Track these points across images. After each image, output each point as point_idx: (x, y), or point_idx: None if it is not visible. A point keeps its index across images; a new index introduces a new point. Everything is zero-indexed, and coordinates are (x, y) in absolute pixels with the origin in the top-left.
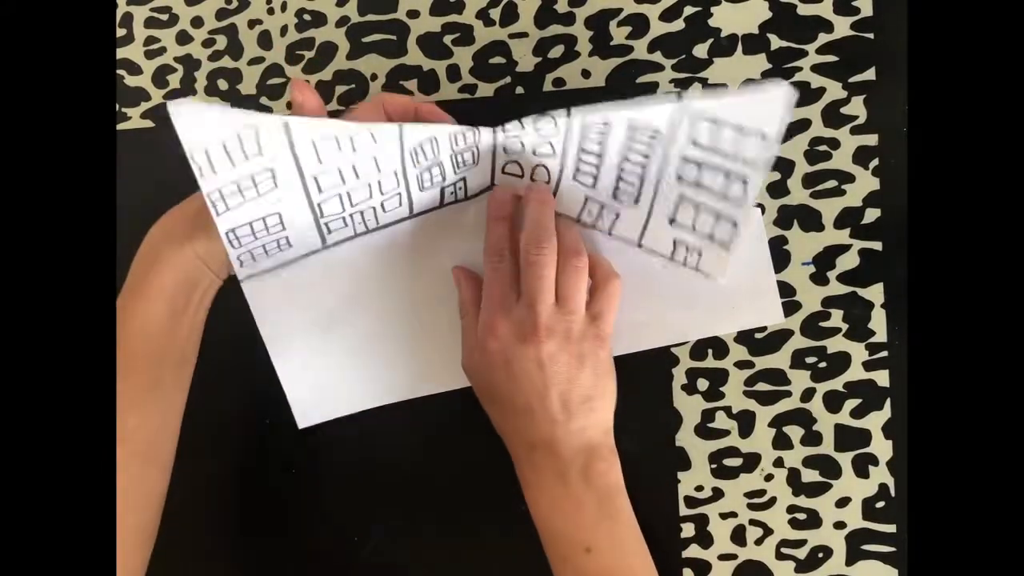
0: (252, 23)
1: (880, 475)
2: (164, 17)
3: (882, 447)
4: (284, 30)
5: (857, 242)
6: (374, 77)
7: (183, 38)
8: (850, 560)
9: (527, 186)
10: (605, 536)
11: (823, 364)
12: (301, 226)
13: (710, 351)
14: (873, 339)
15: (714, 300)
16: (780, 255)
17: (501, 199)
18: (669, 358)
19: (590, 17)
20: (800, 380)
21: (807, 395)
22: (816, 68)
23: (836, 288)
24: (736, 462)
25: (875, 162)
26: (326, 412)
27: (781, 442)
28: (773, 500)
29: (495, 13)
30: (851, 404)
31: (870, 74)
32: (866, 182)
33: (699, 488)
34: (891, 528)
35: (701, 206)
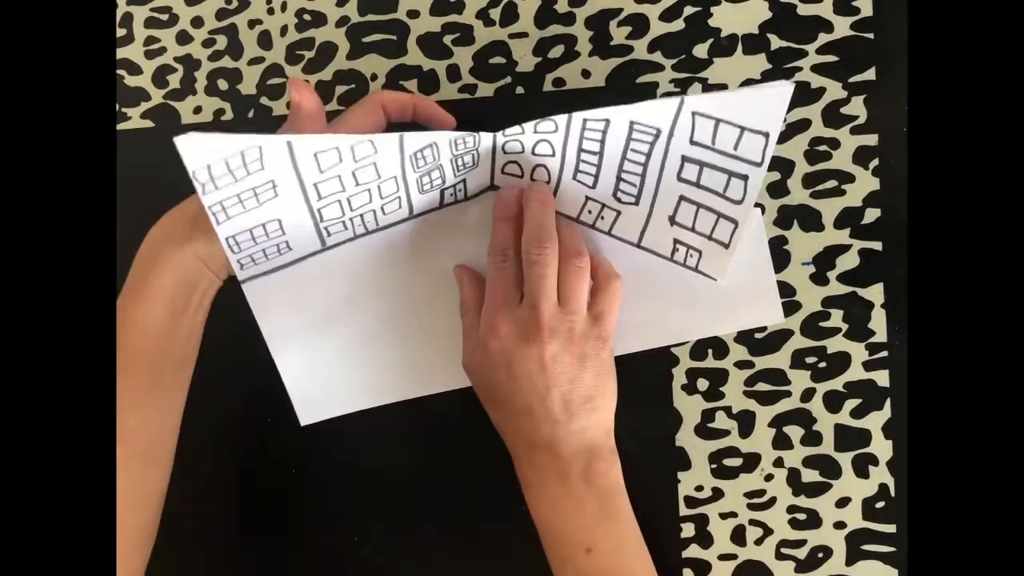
0: (252, 23)
1: (880, 475)
2: (164, 17)
3: (882, 447)
4: (284, 30)
5: (857, 242)
6: (374, 77)
7: (183, 38)
8: (850, 560)
9: (527, 185)
10: (605, 536)
11: (823, 364)
12: (301, 230)
13: (710, 351)
14: (873, 339)
15: (714, 300)
16: (780, 255)
17: (507, 199)
18: (669, 358)
19: (590, 17)
20: (800, 380)
21: (807, 395)
22: (816, 68)
23: (836, 288)
24: (736, 462)
25: (875, 162)
26: (328, 410)
27: (781, 442)
28: (773, 500)
29: (495, 13)
30: (851, 404)
31: (870, 74)
32: (866, 182)
33: (699, 488)
34: (891, 528)
35: (701, 206)
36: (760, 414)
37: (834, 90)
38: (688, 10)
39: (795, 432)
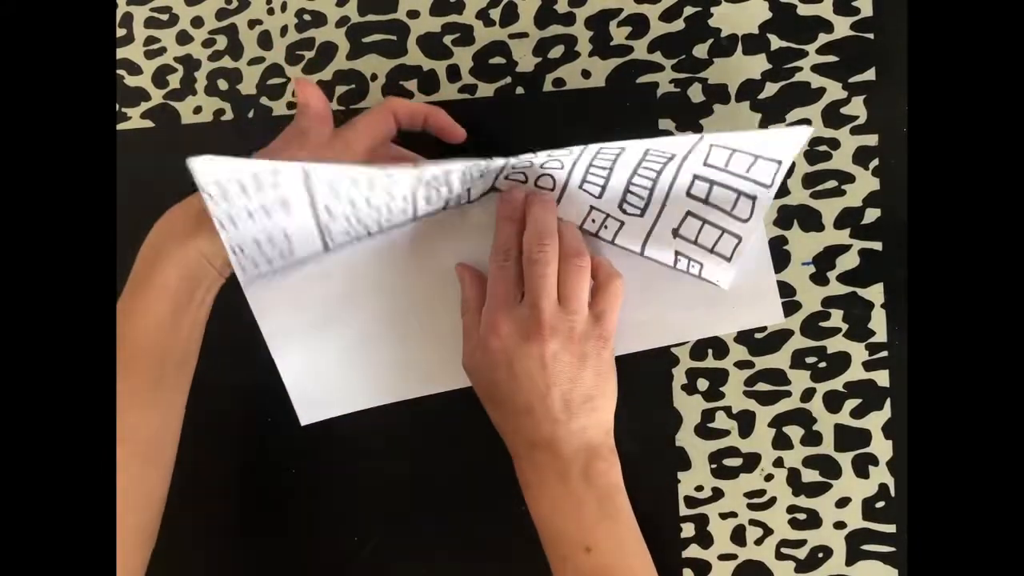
0: (252, 23)
1: (880, 475)
2: (164, 17)
3: (882, 447)
4: (284, 30)
5: (857, 242)
6: (374, 77)
7: (183, 38)
8: (850, 560)
9: (530, 191)
10: (605, 536)
11: (823, 364)
12: (305, 239)
13: (710, 351)
14: (873, 339)
15: (714, 300)
16: (780, 255)
17: (512, 200)
18: (669, 358)
19: (590, 17)
20: (800, 380)
21: (807, 395)
22: (816, 68)
23: (836, 288)
24: (736, 462)
25: (875, 162)
26: (328, 410)
27: (781, 442)
28: (773, 500)
29: (495, 13)
30: (851, 404)
31: (870, 74)
32: (866, 182)
33: (699, 488)
34: (891, 528)
35: (707, 221)
36: (760, 414)
37: (834, 90)
38: (688, 10)
39: (795, 432)
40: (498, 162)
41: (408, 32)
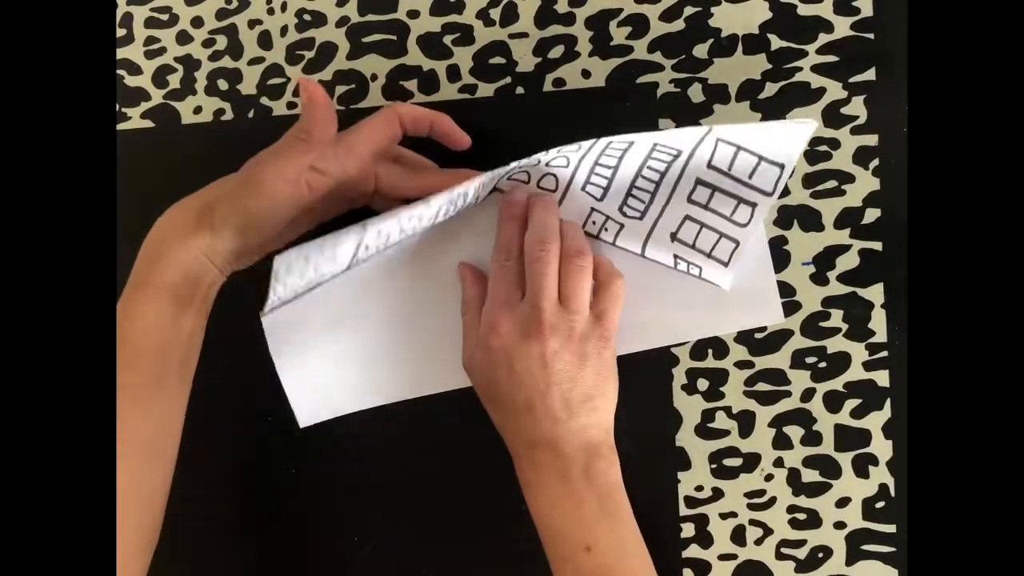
0: (252, 23)
1: (880, 475)
2: (164, 17)
3: (882, 447)
4: (284, 30)
5: (857, 242)
6: (374, 77)
7: (183, 38)
8: (850, 560)
9: (532, 192)
10: (605, 535)
11: (823, 364)
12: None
13: (710, 351)
14: (873, 339)
15: (715, 300)
16: (780, 255)
17: (514, 200)
18: (669, 358)
19: (590, 17)
20: (800, 380)
21: (807, 395)
22: (816, 68)
23: (836, 288)
24: (736, 462)
25: (875, 162)
26: (327, 411)
27: (781, 442)
28: (773, 500)
29: (495, 13)
30: (851, 404)
31: (870, 74)
32: (866, 182)
33: (699, 488)
34: (891, 528)
35: (705, 226)
36: (760, 414)
37: (834, 90)
38: (688, 10)
39: (795, 432)
40: (508, 167)
41: (408, 32)
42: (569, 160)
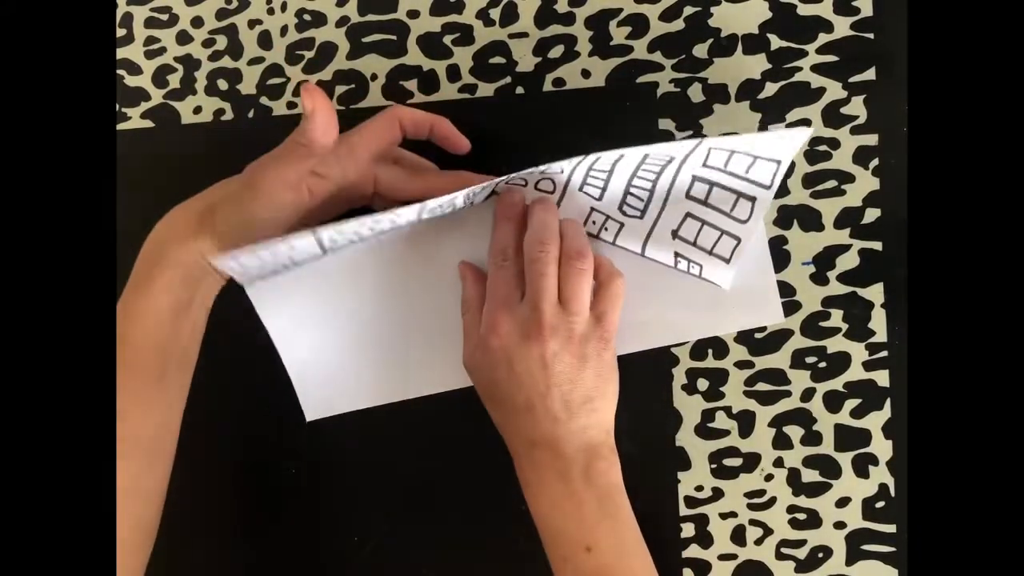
0: (252, 23)
1: (880, 475)
2: (164, 17)
3: (882, 447)
4: (284, 30)
5: (857, 242)
6: (374, 77)
7: (183, 38)
8: (850, 560)
9: (533, 197)
10: (605, 535)
11: (823, 364)
12: (306, 255)
13: (710, 351)
14: (873, 339)
15: (715, 300)
16: (780, 255)
17: (510, 200)
18: (669, 358)
19: (590, 17)
20: (800, 380)
21: (807, 395)
22: (816, 68)
23: (836, 288)
24: (736, 462)
25: (875, 162)
26: (333, 405)
27: (781, 442)
28: (773, 500)
29: (495, 13)
30: (851, 404)
31: (870, 74)
32: (866, 182)
33: (699, 488)
34: (891, 528)
35: (706, 222)
36: (760, 414)
37: (834, 90)
38: (688, 10)
39: (795, 432)
40: (498, 180)
41: (408, 32)
42: (563, 168)
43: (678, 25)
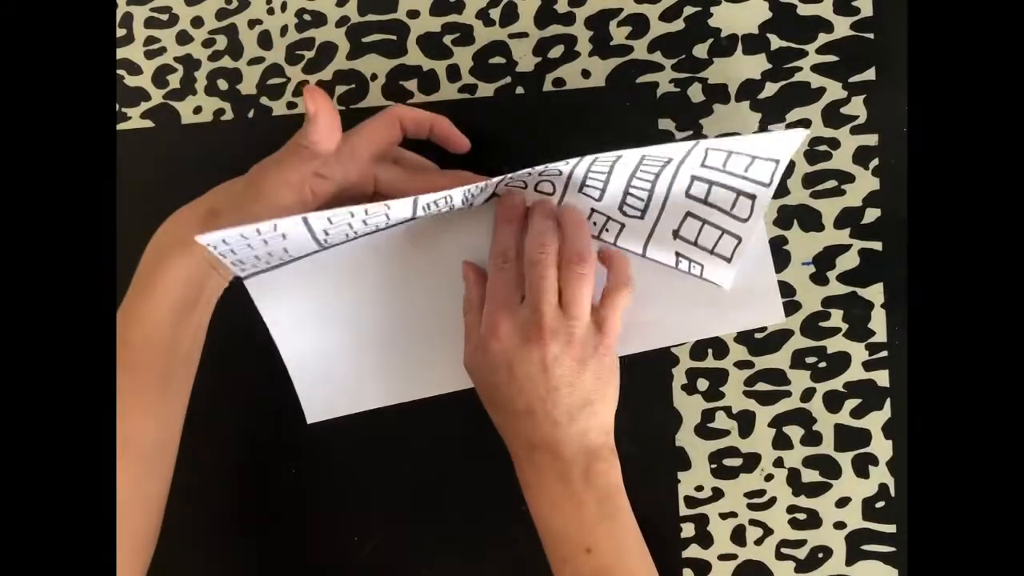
0: (252, 23)
1: (880, 475)
2: (164, 17)
3: (882, 447)
4: (284, 30)
5: (857, 242)
6: (374, 77)
7: (183, 38)
8: (850, 560)
9: (533, 200)
10: (605, 536)
11: (823, 364)
12: (302, 246)
13: (710, 351)
14: (873, 339)
15: (716, 300)
16: (780, 255)
17: (511, 201)
18: (669, 358)
19: (590, 17)
20: (800, 380)
21: (807, 395)
22: (816, 68)
23: (836, 288)
24: (736, 462)
25: (875, 162)
26: (335, 409)
27: (781, 442)
28: (773, 500)
29: (495, 13)
30: (851, 404)
31: (870, 74)
32: (866, 182)
33: (699, 488)
34: (891, 528)
35: (707, 222)
36: (760, 414)
37: (834, 90)
38: (688, 10)
39: (795, 432)
40: (496, 180)
41: (408, 32)
42: (561, 171)
43: (678, 25)
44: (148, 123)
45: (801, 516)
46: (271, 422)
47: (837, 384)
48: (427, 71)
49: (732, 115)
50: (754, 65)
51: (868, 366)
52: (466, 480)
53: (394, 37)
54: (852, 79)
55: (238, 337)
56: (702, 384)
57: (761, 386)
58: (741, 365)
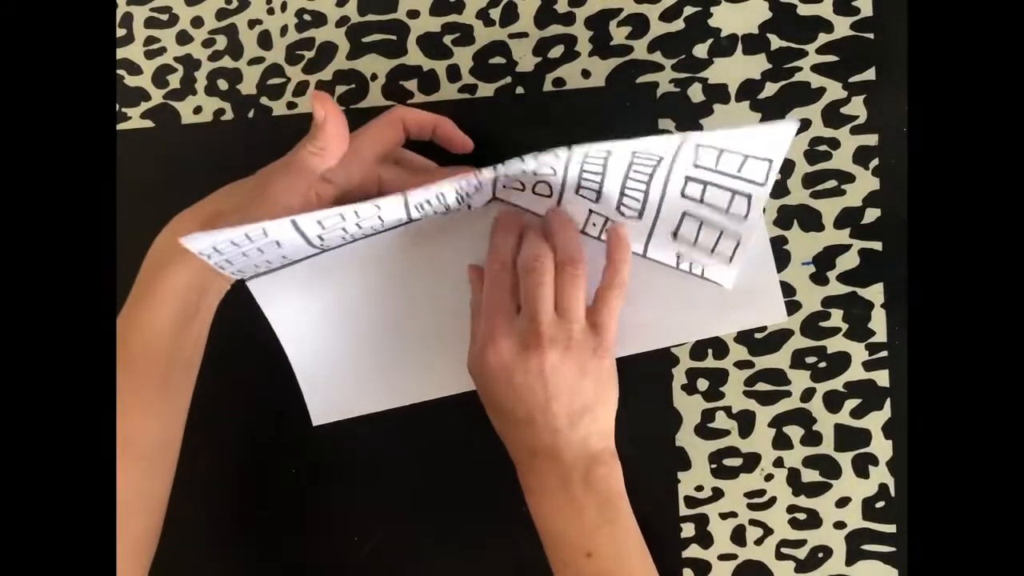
0: (252, 23)
1: (880, 475)
2: (164, 17)
3: (882, 447)
4: (284, 30)
5: (857, 242)
6: (374, 77)
7: (183, 38)
8: (850, 560)
9: (530, 220)
10: (605, 540)
11: (823, 364)
12: (298, 250)
13: (710, 351)
14: (873, 339)
15: (717, 300)
16: (780, 255)
17: (510, 212)
18: (669, 358)
19: (590, 17)
20: (800, 380)
21: (807, 395)
22: (816, 68)
23: (836, 288)
24: (736, 462)
25: (875, 162)
26: (341, 411)
27: (781, 442)
28: (773, 500)
29: (495, 13)
30: (851, 404)
31: (870, 74)
32: (866, 182)
33: (699, 488)
34: (891, 528)
35: (705, 221)
36: (760, 414)
37: (834, 90)
38: (688, 10)
39: (795, 432)
40: (487, 173)
41: (408, 32)
42: (555, 169)
43: (678, 25)
44: (148, 123)
45: (801, 516)
46: (271, 423)
47: (837, 384)
48: (427, 71)
49: (732, 115)
50: (754, 65)
51: (868, 366)
52: (466, 481)
53: (394, 37)
54: (852, 79)
55: (239, 338)
56: (702, 384)
57: (761, 386)
58: (741, 365)
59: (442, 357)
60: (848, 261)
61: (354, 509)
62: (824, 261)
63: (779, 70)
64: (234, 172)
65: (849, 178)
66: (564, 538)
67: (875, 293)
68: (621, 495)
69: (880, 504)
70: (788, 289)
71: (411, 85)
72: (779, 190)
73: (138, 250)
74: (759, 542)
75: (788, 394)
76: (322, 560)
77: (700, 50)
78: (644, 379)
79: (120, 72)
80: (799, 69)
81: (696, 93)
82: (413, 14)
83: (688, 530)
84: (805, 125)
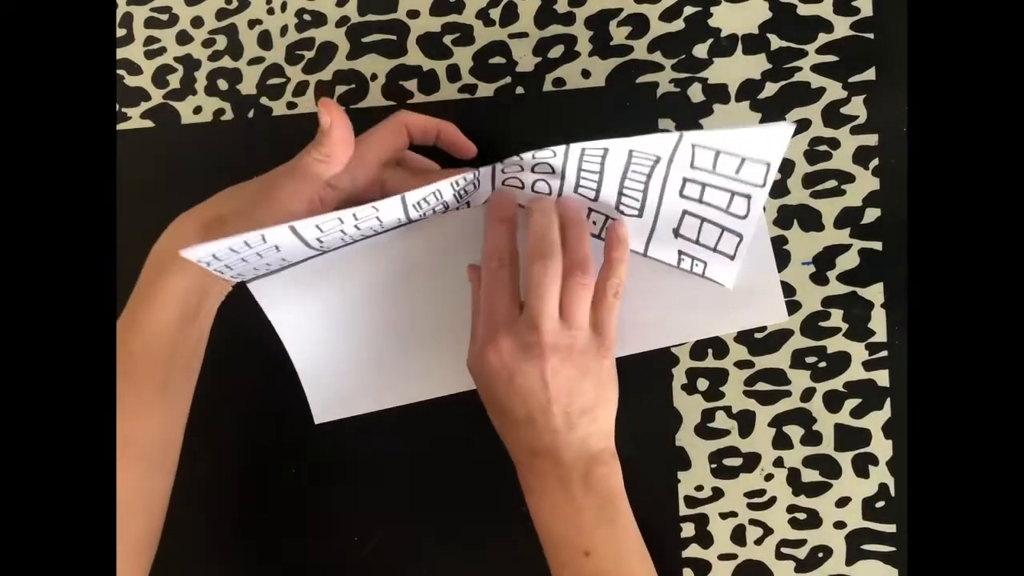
0: (252, 23)
1: (880, 475)
2: (164, 17)
3: (882, 447)
4: (284, 30)
5: (857, 242)
6: (374, 77)
7: (183, 38)
8: (850, 560)
9: (530, 197)
10: (604, 540)
11: (823, 364)
12: (297, 253)
13: (710, 351)
14: (873, 339)
15: (717, 300)
16: (780, 255)
17: (502, 202)
18: (669, 358)
19: (590, 17)
20: (800, 380)
21: (807, 395)
22: (816, 68)
23: (836, 288)
24: (736, 462)
25: (875, 162)
26: (343, 410)
27: (781, 442)
28: (773, 500)
29: (495, 13)
30: (851, 404)
31: (870, 74)
32: (866, 182)
33: (699, 488)
34: (891, 528)
35: (706, 219)
36: (760, 414)
37: (834, 90)
38: (688, 10)
39: (795, 432)
40: (485, 171)
41: (408, 32)
42: (553, 168)
43: (678, 25)
44: (148, 123)
45: (801, 516)
46: (272, 423)
47: (837, 384)
48: (427, 71)
49: (732, 115)
50: (754, 65)
51: (868, 366)
52: (466, 480)
53: (394, 37)
54: (852, 79)
55: (239, 340)
56: (702, 384)
57: (761, 386)
58: (741, 365)
59: (443, 356)
60: (848, 261)
61: (355, 509)
62: (824, 261)
63: (779, 70)
64: (234, 172)
65: (849, 178)
66: (563, 538)
67: (875, 293)
68: (621, 495)
69: (880, 504)
70: (788, 289)
71: (411, 85)
72: (779, 190)
73: (138, 250)
74: (759, 542)
75: (788, 394)
76: (323, 560)
77: (700, 50)
78: (644, 379)
79: (120, 72)
80: (799, 69)
81: (696, 93)
82: (413, 14)
83: (688, 530)
84: (805, 125)
